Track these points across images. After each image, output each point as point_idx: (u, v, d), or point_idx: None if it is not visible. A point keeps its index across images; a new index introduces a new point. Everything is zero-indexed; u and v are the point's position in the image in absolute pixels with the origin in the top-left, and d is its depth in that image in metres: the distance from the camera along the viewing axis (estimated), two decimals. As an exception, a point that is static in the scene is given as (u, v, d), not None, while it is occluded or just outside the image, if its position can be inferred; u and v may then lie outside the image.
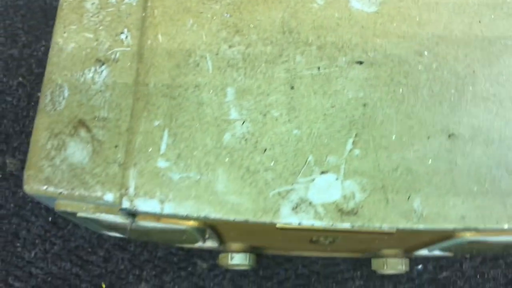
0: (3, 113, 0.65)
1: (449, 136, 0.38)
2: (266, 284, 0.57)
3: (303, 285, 0.57)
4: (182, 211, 0.36)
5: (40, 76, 0.67)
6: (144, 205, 0.36)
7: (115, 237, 0.60)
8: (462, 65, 0.40)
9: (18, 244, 0.59)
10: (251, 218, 0.36)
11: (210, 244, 0.53)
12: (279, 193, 0.36)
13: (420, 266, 0.58)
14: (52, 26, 0.69)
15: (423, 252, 0.53)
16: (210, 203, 0.36)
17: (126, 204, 0.36)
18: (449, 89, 0.39)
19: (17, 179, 0.62)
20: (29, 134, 0.64)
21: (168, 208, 0.36)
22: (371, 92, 0.39)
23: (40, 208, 0.61)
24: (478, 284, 0.57)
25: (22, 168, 0.62)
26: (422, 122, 0.38)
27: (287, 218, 0.36)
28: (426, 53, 0.40)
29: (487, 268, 0.58)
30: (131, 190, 0.37)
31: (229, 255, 0.52)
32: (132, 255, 0.59)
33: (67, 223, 0.60)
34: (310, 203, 0.36)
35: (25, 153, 0.63)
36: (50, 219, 0.60)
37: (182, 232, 0.43)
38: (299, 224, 0.36)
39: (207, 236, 0.48)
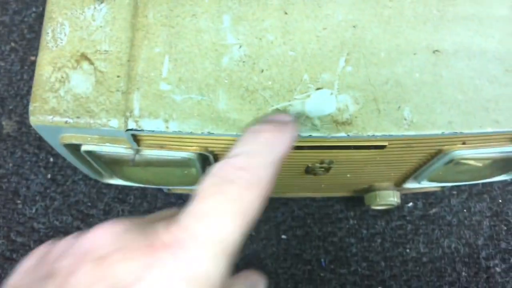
0: (-3, 77, 0.66)
1: (434, 51, 0.40)
2: (264, 227, 0.59)
3: (299, 226, 0.59)
4: (187, 129, 0.38)
5: (32, 41, 0.68)
6: (149, 124, 0.38)
7: (115, 191, 0.61)
8: (443, -12, 0.42)
9: (19, 201, 0.60)
10: (252, 132, 0.38)
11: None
12: (277, 109, 0.38)
13: (410, 204, 0.61)
14: (42, -7, 0.70)
15: (413, 184, 0.55)
16: (213, 120, 0.38)
17: (131, 124, 0.38)
18: (431, 10, 0.41)
19: (15, 140, 0.63)
20: (23, 97, 0.65)
21: (173, 126, 0.38)
22: (359, 15, 0.41)
23: (39, 166, 0.62)
24: (466, 218, 0.60)
25: (19, 129, 0.63)
26: (408, 40, 0.40)
27: (286, 130, 0.37)
28: (409, -22, 0.42)
29: (473, 203, 0.60)
30: (136, 112, 0.38)
31: (228, 195, 0.53)
32: (131, 207, 0.60)
33: (66, 179, 0.61)
34: (307, 117, 0.38)
35: (21, 115, 0.64)
36: (49, 176, 0.61)
37: (183, 163, 0.45)
38: (298, 135, 0.38)
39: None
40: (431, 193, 0.60)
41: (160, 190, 0.60)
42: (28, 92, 0.65)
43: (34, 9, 0.70)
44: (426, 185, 0.56)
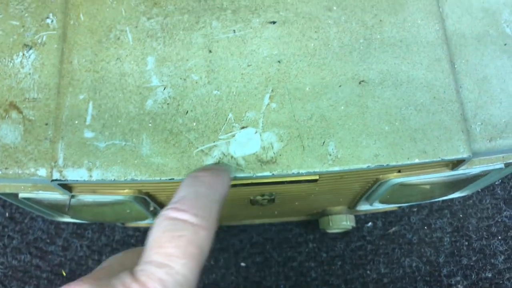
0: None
1: (360, 82, 0.40)
2: (223, 255, 0.59)
3: (259, 252, 0.59)
4: (110, 176, 0.37)
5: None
6: (73, 174, 0.38)
7: (73, 226, 0.61)
8: (369, 16, 0.42)
9: (-22, 242, 0.60)
10: (176, 176, 0.37)
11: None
12: (202, 151, 0.38)
13: (369, 224, 0.60)
14: None
15: (366, 207, 0.55)
16: (136, 166, 0.38)
17: (56, 175, 0.38)
18: (358, 39, 0.41)
19: (-28, 179, 0.63)
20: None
21: (96, 175, 0.38)
22: (284, 49, 0.41)
23: None
24: (426, 235, 0.59)
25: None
26: (333, 72, 0.40)
27: (210, 172, 0.37)
28: (335, 7, 0.42)
29: (433, 219, 0.60)
30: (60, 162, 0.38)
31: (180, 227, 0.53)
32: (90, 241, 0.60)
33: (24, 217, 0.61)
34: (232, 157, 0.38)
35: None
36: (7, 214, 0.61)
37: (123, 204, 0.45)
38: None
39: (152, 208, 0.50)
40: (390, 211, 0.60)
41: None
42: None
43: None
44: (379, 206, 0.56)
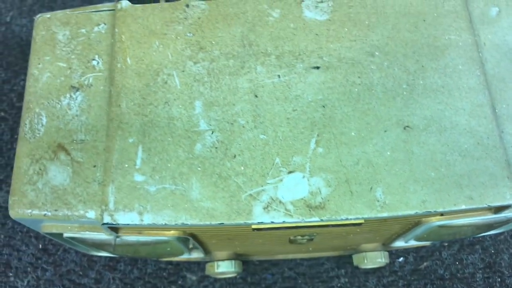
0: (-13, 148, 0.67)
1: (404, 128, 0.40)
2: (255, 289, 0.59)
3: (291, 287, 0.59)
4: (161, 221, 0.38)
5: (21, 109, 0.69)
6: (124, 218, 0.38)
7: (105, 258, 0.61)
8: (411, 61, 0.43)
9: (11, 274, 0.61)
10: (226, 221, 0.38)
11: (197, 255, 0.55)
12: (250, 195, 0.39)
13: (401, 259, 0.60)
14: (30, 60, 0.71)
15: (401, 243, 0.55)
16: (186, 210, 0.38)
17: (107, 219, 0.38)
18: (401, 85, 0.42)
19: (6, 211, 0.64)
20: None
21: (147, 219, 0.38)
22: (329, 94, 0.42)
23: (30, 237, 0.62)
24: (458, 270, 0.59)
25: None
26: (378, 117, 0.41)
27: (259, 217, 0.38)
28: (377, 53, 0.43)
29: (465, 254, 0.60)
30: (111, 205, 0.39)
31: (215, 263, 0.53)
32: (122, 274, 0.60)
33: (57, 248, 0.62)
34: (280, 202, 0.38)
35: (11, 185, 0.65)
36: (40, 246, 0.62)
37: (165, 243, 0.45)
38: (271, 222, 0.38)
39: (191, 246, 0.50)
40: (422, 246, 0.60)
41: (150, 255, 0.61)
42: (18, 161, 0.66)
43: (23, 77, 0.71)
44: (414, 243, 0.56)
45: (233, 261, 0.54)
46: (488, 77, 0.43)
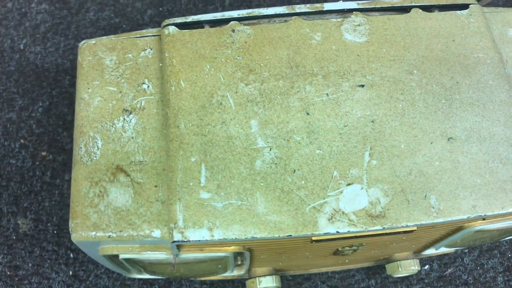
0: (9, 176, 0.66)
1: (448, 139, 0.43)
2: (290, 304, 0.60)
3: (325, 299, 0.60)
4: (231, 235, 0.39)
5: (41, 135, 0.69)
6: (194, 234, 0.39)
7: (139, 281, 0.61)
8: (447, 78, 0.46)
9: (41, 303, 0.60)
10: (293, 233, 0.40)
11: (236, 272, 0.56)
12: (314, 208, 0.41)
13: (427, 266, 0.63)
14: (46, 87, 0.72)
15: (431, 251, 0.58)
16: (255, 224, 0.40)
17: (177, 236, 0.39)
18: (440, 100, 0.45)
19: (32, 239, 0.63)
20: (37, 193, 0.65)
21: (218, 234, 0.39)
22: (376, 110, 0.44)
23: (60, 264, 0.62)
24: (480, 275, 0.62)
25: (36, 227, 0.64)
26: (423, 130, 0.44)
27: (325, 228, 0.40)
28: (415, 71, 0.46)
29: (485, 259, 0.63)
30: (181, 223, 0.40)
31: (257, 279, 0.54)
32: (157, 296, 0.60)
33: (89, 274, 0.61)
34: (343, 213, 0.40)
35: (36, 212, 0.64)
36: (70, 273, 0.61)
37: (221, 259, 0.46)
38: (337, 232, 0.40)
39: (239, 262, 0.51)
40: (445, 253, 0.63)
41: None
42: (42, 188, 0.66)
43: (40, 104, 0.71)
44: (442, 250, 0.59)
45: (273, 276, 0.55)
46: (514, 91, 0.47)
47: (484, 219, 0.46)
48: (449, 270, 0.63)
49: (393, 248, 0.53)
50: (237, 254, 0.46)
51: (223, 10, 0.79)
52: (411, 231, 0.43)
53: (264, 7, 0.78)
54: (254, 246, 0.44)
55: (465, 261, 0.63)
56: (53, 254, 0.62)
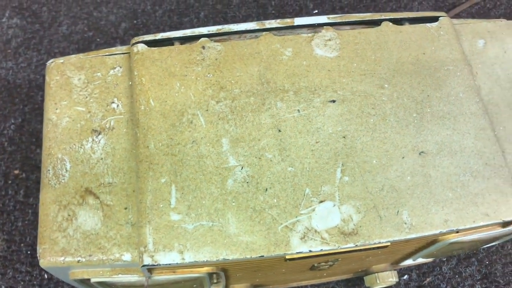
0: (-20, 196, 0.65)
1: (420, 153, 0.44)
2: (269, 319, 0.59)
3: (304, 313, 0.60)
4: (202, 258, 0.39)
5: (13, 153, 0.68)
6: (165, 258, 0.39)
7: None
8: (418, 91, 0.46)
9: (15, 326, 0.58)
10: (266, 253, 0.39)
11: (213, 289, 0.55)
12: (286, 226, 0.40)
13: (405, 276, 0.63)
14: (19, 104, 0.70)
15: (408, 261, 0.58)
16: (226, 245, 0.39)
17: (147, 260, 0.39)
18: (411, 113, 0.45)
19: (5, 260, 0.61)
20: (10, 213, 0.64)
21: (188, 257, 0.39)
22: (347, 125, 0.44)
23: (34, 285, 0.60)
24: (459, 283, 0.63)
25: (8, 248, 0.62)
26: (395, 145, 0.44)
27: (297, 247, 0.39)
28: (386, 85, 0.46)
29: (463, 267, 0.63)
30: (150, 246, 0.39)
31: (234, 296, 0.54)
32: (134, 316, 0.59)
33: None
34: (316, 231, 0.40)
35: (9, 232, 0.63)
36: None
37: (195, 280, 0.45)
38: (309, 251, 0.39)
39: (215, 281, 0.51)
40: (423, 263, 0.63)
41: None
42: (15, 207, 0.64)
43: (12, 121, 0.70)
44: (420, 261, 0.59)
45: (251, 293, 0.54)
46: (484, 102, 0.47)
47: (457, 232, 0.46)
48: (428, 279, 0.63)
49: (370, 261, 0.53)
50: (212, 274, 0.46)
51: (198, 22, 0.78)
52: (385, 247, 0.43)
53: (239, 19, 0.78)
54: (228, 266, 0.44)
55: (443, 269, 0.63)
56: (27, 275, 0.61)
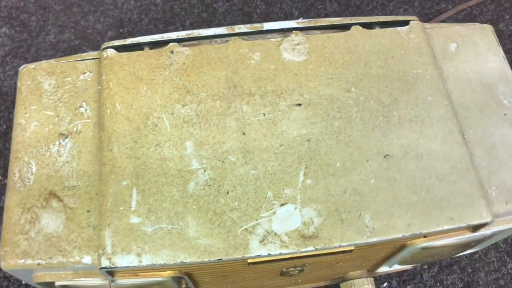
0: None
1: (385, 156, 0.43)
2: (246, 327, 0.59)
3: (282, 321, 0.59)
4: (159, 261, 0.39)
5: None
6: (122, 261, 0.39)
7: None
8: (385, 95, 0.46)
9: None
10: (224, 256, 0.39)
11: (187, 295, 0.55)
12: (246, 229, 0.40)
13: (385, 284, 0.62)
14: (4, 111, 0.71)
15: (385, 268, 0.57)
16: (184, 249, 0.39)
17: (105, 263, 0.39)
18: (378, 117, 0.45)
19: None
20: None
21: (146, 260, 0.39)
22: (312, 128, 0.44)
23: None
24: (440, 291, 0.61)
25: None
26: (360, 148, 0.43)
27: (256, 251, 0.39)
28: (353, 89, 0.46)
29: (444, 275, 0.62)
30: (109, 249, 0.39)
31: (207, 302, 0.53)
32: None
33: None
34: (275, 234, 0.40)
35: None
36: (21, 300, 0.60)
37: (160, 284, 0.45)
38: (268, 255, 0.39)
39: (183, 286, 0.50)
40: (404, 270, 0.62)
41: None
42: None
43: (-3, 127, 0.71)
44: (397, 267, 0.58)
45: (224, 299, 0.54)
46: (454, 106, 0.47)
47: (425, 237, 0.45)
48: (408, 287, 0.62)
49: (344, 267, 0.52)
50: (178, 278, 0.45)
51: (184, 30, 0.79)
52: (349, 251, 0.43)
53: (226, 25, 0.79)
54: (191, 270, 0.44)
55: (424, 277, 0.62)
56: (4, 281, 0.61)
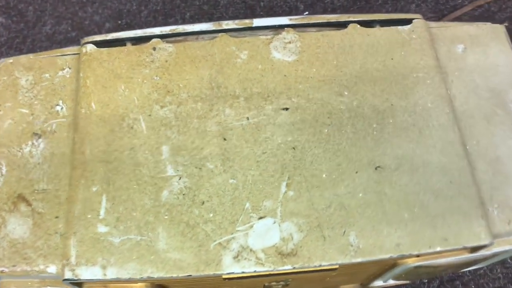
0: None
1: (376, 168, 0.40)
2: (232, 337, 0.56)
3: (270, 332, 0.56)
4: (125, 274, 0.36)
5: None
6: (86, 273, 0.36)
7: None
8: (380, 100, 0.42)
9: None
10: (194, 273, 0.36)
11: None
12: (220, 244, 0.37)
13: (382, 298, 0.58)
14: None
15: (379, 283, 0.53)
16: (152, 262, 0.36)
17: (68, 274, 0.36)
18: (371, 124, 0.41)
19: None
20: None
21: (111, 273, 0.36)
22: (298, 135, 0.41)
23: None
24: (440, 308, 0.58)
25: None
26: (349, 158, 0.40)
27: (229, 268, 0.36)
28: (346, 93, 0.43)
29: (446, 291, 0.59)
30: (73, 259, 0.37)
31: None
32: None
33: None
34: (251, 250, 0.37)
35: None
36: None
37: (134, 295, 0.43)
38: (242, 272, 0.36)
39: (162, 295, 0.48)
40: (402, 284, 0.59)
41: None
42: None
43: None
44: (392, 282, 0.54)
45: (208, 309, 0.51)
46: (457, 113, 0.43)
47: (418, 256, 0.41)
48: (406, 302, 0.58)
49: (332, 282, 0.49)
50: (152, 290, 0.43)
51: (184, 23, 0.76)
52: (334, 269, 0.39)
53: (227, 20, 0.75)
54: (165, 283, 0.41)
55: (424, 292, 0.59)
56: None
